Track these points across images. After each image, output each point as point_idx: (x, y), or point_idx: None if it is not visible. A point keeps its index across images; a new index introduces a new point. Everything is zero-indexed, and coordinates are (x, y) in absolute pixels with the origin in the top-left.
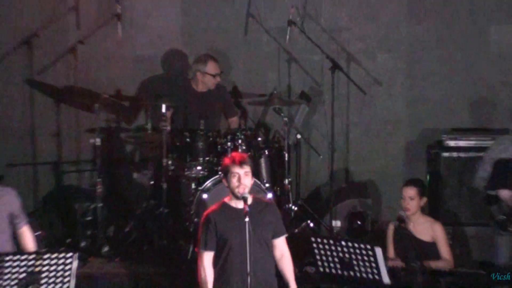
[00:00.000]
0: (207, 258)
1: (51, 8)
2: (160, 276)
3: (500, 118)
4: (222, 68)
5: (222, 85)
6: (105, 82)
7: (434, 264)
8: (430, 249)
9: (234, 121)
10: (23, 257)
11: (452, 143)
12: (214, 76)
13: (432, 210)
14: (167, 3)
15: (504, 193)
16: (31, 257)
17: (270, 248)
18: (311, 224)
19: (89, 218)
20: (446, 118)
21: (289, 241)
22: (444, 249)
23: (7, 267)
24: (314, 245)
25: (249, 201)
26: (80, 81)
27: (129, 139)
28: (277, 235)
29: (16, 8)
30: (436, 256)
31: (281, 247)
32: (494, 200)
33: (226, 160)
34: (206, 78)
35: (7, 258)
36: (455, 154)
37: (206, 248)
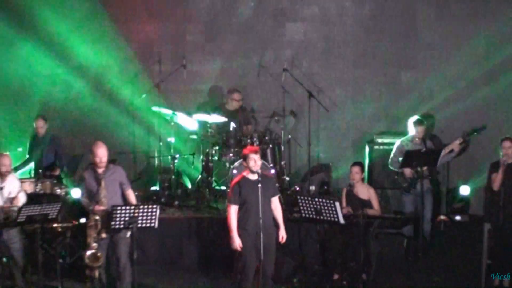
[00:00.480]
0: (234, 209)
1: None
2: (206, 220)
3: (403, 127)
4: (243, 96)
5: (244, 106)
6: (177, 105)
7: (370, 212)
8: (367, 203)
9: (250, 127)
10: (127, 207)
11: (379, 141)
12: (237, 100)
13: (368, 180)
14: (212, 59)
15: (406, 171)
16: (132, 207)
17: (270, 203)
18: (297, 188)
19: (166, 184)
20: (376, 126)
21: (284, 198)
22: (375, 203)
23: (118, 213)
24: (299, 200)
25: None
26: (162, 105)
27: (191, 138)
28: (273, 195)
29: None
30: (371, 207)
31: (275, 202)
32: (401, 175)
33: (246, 150)
34: (233, 102)
35: (118, 208)
36: (381, 147)
37: (234, 203)
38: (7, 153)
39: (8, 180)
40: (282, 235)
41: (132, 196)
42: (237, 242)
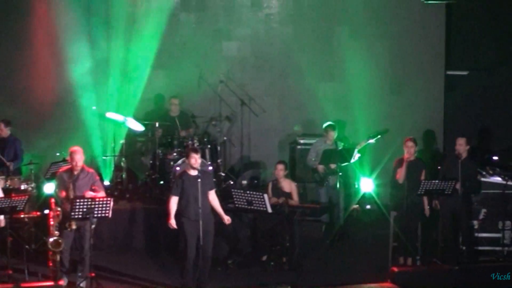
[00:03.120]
0: (173, 199)
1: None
2: (153, 210)
3: (321, 130)
4: (184, 103)
5: (185, 112)
6: (129, 111)
7: (292, 202)
8: (289, 195)
9: (191, 130)
10: (85, 200)
11: (301, 142)
12: (176, 104)
13: (291, 175)
14: (159, 71)
15: (319, 167)
16: (89, 200)
17: (207, 196)
18: (231, 182)
19: (119, 180)
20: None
21: (220, 192)
22: (295, 195)
23: (77, 205)
24: (233, 193)
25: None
26: (115, 112)
27: (140, 140)
28: (210, 189)
29: None
30: (292, 199)
31: (213, 195)
32: (315, 171)
33: (188, 150)
34: (172, 106)
35: (77, 201)
36: (302, 147)
37: (174, 194)
38: None
39: None
40: (227, 218)
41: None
42: (172, 223)
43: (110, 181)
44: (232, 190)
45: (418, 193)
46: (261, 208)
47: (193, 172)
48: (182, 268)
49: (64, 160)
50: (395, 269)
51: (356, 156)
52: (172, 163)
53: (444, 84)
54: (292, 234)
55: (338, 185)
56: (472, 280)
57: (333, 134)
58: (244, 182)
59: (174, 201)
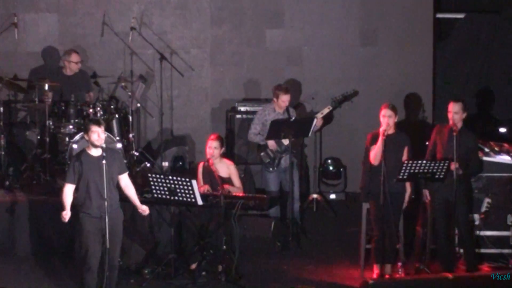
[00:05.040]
0: (69, 188)
1: None
2: (42, 202)
3: (267, 91)
4: (83, 57)
5: (84, 70)
6: (7, 69)
7: (232, 189)
8: (228, 182)
9: (93, 95)
10: None
11: (242, 109)
12: (76, 63)
13: (228, 155)
14: (48, 16)
15: (270, 143)
16: None
17: (115, 182)
18: (148, 165)
19: None
20: (238, 92)
21: (133, 177)
22: (236, 181)
23: None
24: (150, 179)
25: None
26: None
27: (23, 107)
28: (122, 172)
29: None
30: (232, 185)
31: (125, 180)
32: (264, 148)
33: (88, 122)
34: (71, 65)
35: None
36: (243, 116)
37: (70, 182)
38: None
39: None
40: (143, 209)
41: None
42: (65, 215)
43: None
44: (149, 175)
45: (399, 178)
46: (189, 199)
47: (96, 152)
48: (80, 279)
49: None
50: (369, 280)
51: (316, 127)
52: (67, 139)
53: (433, 31)
54: (230, 234)
55: (292, 168)
56: None
57: (285, 99)
58: (165, 164)
59: (69, 192)
